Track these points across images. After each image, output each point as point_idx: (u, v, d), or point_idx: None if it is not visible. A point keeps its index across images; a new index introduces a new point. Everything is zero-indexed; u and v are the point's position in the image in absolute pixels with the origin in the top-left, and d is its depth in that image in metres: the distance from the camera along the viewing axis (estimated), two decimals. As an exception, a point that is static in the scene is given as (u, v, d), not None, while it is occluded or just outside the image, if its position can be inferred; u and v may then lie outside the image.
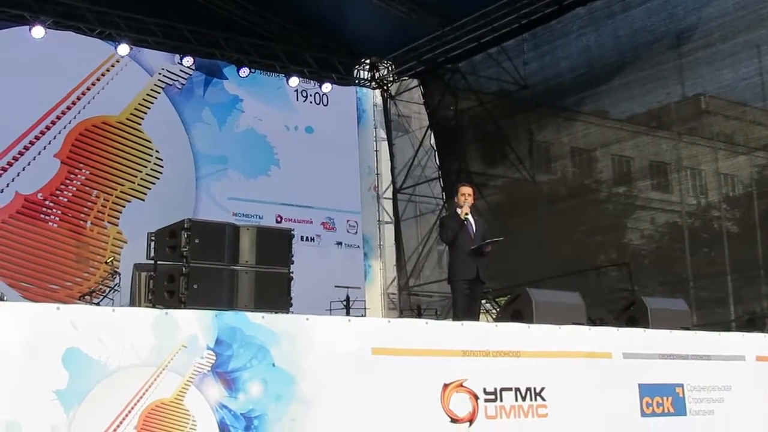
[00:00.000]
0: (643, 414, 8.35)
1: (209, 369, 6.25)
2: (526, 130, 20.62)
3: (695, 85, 17.76)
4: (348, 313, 17.60)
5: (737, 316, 16.70)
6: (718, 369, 9.04)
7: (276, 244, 7.16)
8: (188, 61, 19.58)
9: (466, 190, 11.00)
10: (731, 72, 16.84)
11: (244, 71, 20.28)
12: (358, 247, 21.95)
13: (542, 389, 7.79)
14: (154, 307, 6.62)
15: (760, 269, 16.55)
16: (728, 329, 15.42)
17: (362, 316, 17.84)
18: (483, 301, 18.60)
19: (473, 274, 10.58)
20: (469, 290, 10.59)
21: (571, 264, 18.36)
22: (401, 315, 20.99)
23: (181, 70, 19.78)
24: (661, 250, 19.10)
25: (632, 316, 9.50)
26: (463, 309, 10.39)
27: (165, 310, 6.36)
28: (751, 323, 15.84)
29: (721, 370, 9.07)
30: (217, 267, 6.81)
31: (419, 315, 19.53)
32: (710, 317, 16.74)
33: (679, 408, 8.60)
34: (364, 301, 20.20)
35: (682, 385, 8.70)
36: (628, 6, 17.91)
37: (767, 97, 16.66)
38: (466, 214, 10.79)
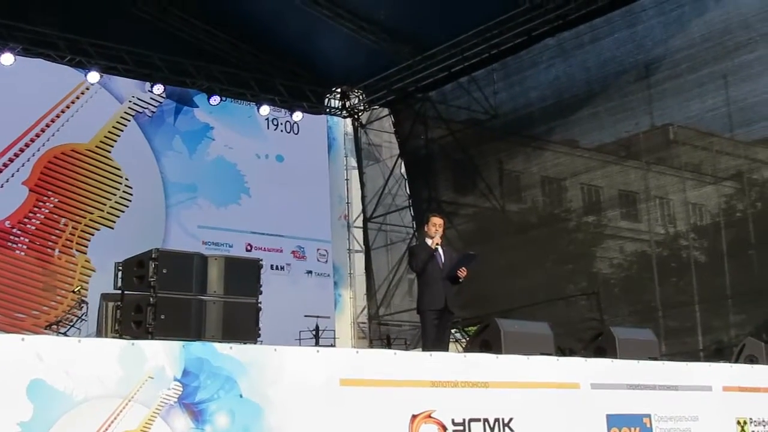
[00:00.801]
0: (611, 444, 8.37)
1: (176, 400, 6.19)
2: (496, 159, 20.72)
3: (663, 115, 17.93)
4: (317, 343, 17.56)
5: (705, 346, 16.79)
6: (685, 399, 9.07)
7: (244, 275, 7.14)
8: (159, 88, 19.55)
9: (437, 221, 11.01)
10: (699, 102, 17.02)
11: (215, 99, 20.27)
12: (329, 275, 21.92)
13: (510, 420, 7.78)
14: (120, 337, 6.58)
15: (728, 299, 16.65)
16: (697, 359, 15.51)
17: (332, 345, 17.81)
18: (453, 331, 18.68)
19: (442, 304, 10.57)
20: (437, 320, 10.58)
21: (540, 293, 18.42)
22: (371, 344, 20.95)
23: (151, 98, 19.76)
24: (630, 279, 19.19)
25: (600, 346, 9.52)
26: (433, 339, 10.38)
27: (132, 341, 6.31)
28: (719, 353, 15.92)
29: (688, 400, 9.10)
30: (184, 297, 6.77)
31: (389, 344, 19.51)
32: (679, 347, 16.81)
33: (647, 438, 8.63)
34: (334, 330, 20.14)
35: (649, 416, 8.72)
36: (597, 37, 18.09)
37: (734, 127, 16.83)
38: (437, 244, 10.81)
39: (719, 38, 16.54)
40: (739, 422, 9.37)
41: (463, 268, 10.78)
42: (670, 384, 9.06)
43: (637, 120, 18.16)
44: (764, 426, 9.53)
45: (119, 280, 6.91)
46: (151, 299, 6.61)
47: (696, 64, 16.91)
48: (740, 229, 17.07)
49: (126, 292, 6.90)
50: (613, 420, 8.43)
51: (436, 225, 10.92)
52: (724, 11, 16.50)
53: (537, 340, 8.85)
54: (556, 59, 18.90)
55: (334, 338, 19.58)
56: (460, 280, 10.83)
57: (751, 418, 9.46)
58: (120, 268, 6.93)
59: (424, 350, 9.83)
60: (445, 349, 10.61)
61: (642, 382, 8.83)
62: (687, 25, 17.08)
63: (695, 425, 9.01)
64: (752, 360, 11.24)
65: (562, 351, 10.23)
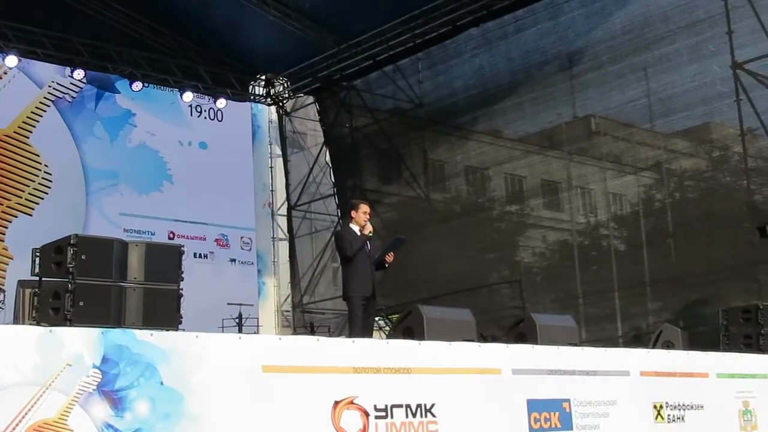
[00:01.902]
0: (531, 429, 8.46)
1: (95, 388, 6.12)
2: (420, 148, 20.81)
3: (585, 106, 18.18)
4: (240, 331, 17.47)
5: (624, 332, 17.10)
6: (603, 384, 9.21)
7: (165, 261, 7.06)
8: (79, 74, 19.22)
9: (367, 208, 11.00)
10: (620, 94, 17.28)
11: (137, 85, 19.99)
12: (252, 263, 21.83)
13: (432, 405, 7.83)
14: (38, 324, 6.46)
15: (646, 286, 16.97)
16: (615, 345, 15.79)
17: (255, 333, 17.72)
18: (377, 319, 18.73)
19: (370, 291, 10.59)
20: (365, 307, 10.60)
21: (464, 281, 18.56)
22: (295, 332, 20.93)
23: (71, 83, 19.41)
24: (551, 268, 19.44)
25: (521, 332, 9.63)
26: (361, 325, 10.39)
27: (49, 328, 6.21)
28: (636, 339, 16.23)
29: (607, 384, 9.25)
30: (104, 283, 6.68)
31: (312, 332, 19.49)
32: (599, 333, 17.11)
33: (566, 423, 8.74)
34: (258, 318, 20.08)
35: (568, 400, 8.84)
36: (520, 28, 18.25)
37: (654, 118, 17.12)
38: (371, 232, 10.80)
39: (640, 30, 16.82)
40: (655, 406, 9.55)
41: (392, 252, 10.83)
42: (589, 369, 9.20)
43: (559, 110, 18.39)
44: (680, 410, 9.74)
45: (37, 267, 6.78)
46: (70, 285, 6.50)
47: (617, 56, 17.17)
48: (659, 219, 17.40)
49: (44, 278, 6.78)
50: (533, 405, 8.54)
51: (367, 212, 10.91)
52: (644, 4, 16.78)
53: (459, 326, 8.91)
54: (481, 49, 19.03)
55: (258, 326, 19.53)
56: (387, 265, 10.86)
57: (667, 402, 9.65)
58: (38, 254, 6.80)
59: (351, 336, 9.85)
60: (370, 335, 10.64)
61: (562, 367, 8.95)
62: (609, 17, 17.32)
63: (613, 409, 9.16)
64: (669, 346, 11.50)
65: (484, 337, 10.33)
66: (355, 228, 10.80)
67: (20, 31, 18.01)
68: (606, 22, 17.35)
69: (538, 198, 19.51)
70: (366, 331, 10.58)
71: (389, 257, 10.83)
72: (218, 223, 21.01)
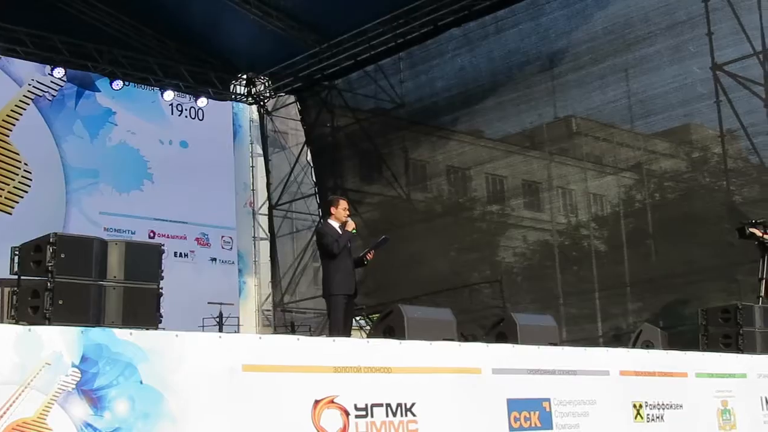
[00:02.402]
0: (511, 428, 8.46)
1: (74, 387, 6.09)
2: (401, 148, 20.82)
3: (566, 106, 18.24)
4: (221, 330, 17.45)
5: (604, 332, 17.17)
6: (583, 383, 9.23)
7: (145, 260, 7.03)
8: (59, 72, 19.17)
9: (346, 204, 10.98)
10: (600, 94, 17.35)
11: (118, 84, 19.96)
12: (233, 263, 21.80)
13: (413, 405, 7.83)
14: (17, 323, 6.43)
15: (626, 287, 17.04)
16: (596, 344, 15.84)
17: (236, 332, 17.69)
18: (357, 318, 18.75)
19: (353, 289, 10.58)
20: (346, 305, 10.58)
21: (445, 281, 18.59)
22: (275, 332, 20.92)
23: (52, 82, 19.35)
24: (532, 268, 19.50)
25: (502, 332, 9.62)
26: (342, 323, 10.39)
27: (28, 327, 6.18)
28: (616, 339, 16.29)
29: (587, 384, 9.26)
30: (83, 282, 6.64)
31: (293, 332, 19.49)
32: (579, 333, 17.17)
33: (546, 422, 8.75)
34: (238, 317, 20.06)
35: (548, 400, 8.85)
36: (502, 28, 18.29)
37: (634, 119, 17.19)
38: (354, 228, 10.77)
39: (621, 31, 16.88)
40: (635, 405, 9.58)
41: (374, 250, 10.85)
42: (569, 369, 9.21)
43: (540, 111, 18.43)
44: (659, 409, 9.77)
45: (16, 265, 6.75)
46: (49, 284, 6.47)
47: (598, 57, 17.23)
48: (639, 219, 17.48)
49: (23, 277, 6.75)
50: (513, 404, 8.54)
51: (346, 208, 10.88)
52: (625, 5, 16.85)
53: (440, 326, 8.91)
54: (462, 49, 19.06)
55: (238, 325, 19.52)
56: (366, 263, 10.86)
57: (646, 402, 9.68)
58: (17, 252, 6.77)
59: (332, 335, 9.84)
60: (349, 335, 10.63)
61: (542, 367, 8.96)
62: (590, 17, 17.38)
63: (593, 408, 9.18)
64: (648, 345, 11.53)
65: (464, 337, 10.35)
66: (335, 224, 10.75)
67: (0, 29, 17.90)
68: (587, 23, 17.41)
69: (518, 198, 19.57)
70: (347, 331, 10.57)
71: (370, 255, 10.83)
72: (199, 222, 20.98)
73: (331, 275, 10.63)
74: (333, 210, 10.85)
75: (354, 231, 10.74)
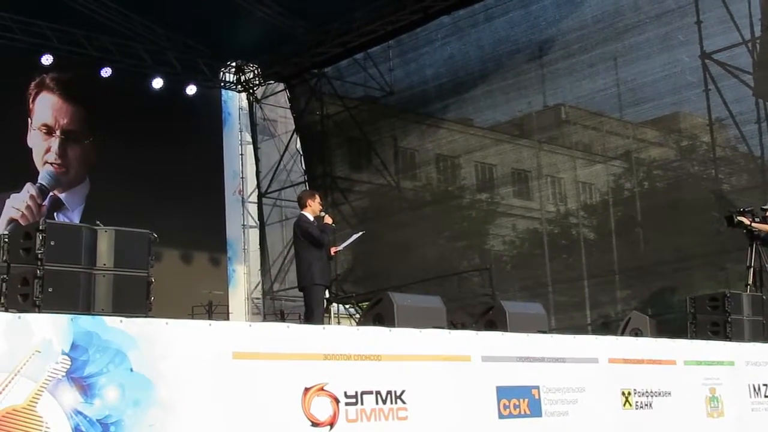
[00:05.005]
0: (501, 416, 8.49)
1: (64, 374, 6.08)
2: (391, 136, 20.83)
3: (556, 95, 18.26)
4: (210, 318, 17.43)
5: (593, 320, 17.22)
6: (572, 371, 9.25)
7: (135, 247, 7.02)
8: (48, 59, 19.03)
9: (319, 197, 11.26)
10: (590, 83, 17.38)
11: (107, 71, 19.82)
12: (223, 251, 21.74)
13: (402, 392, 7.84)
14: (6, 310, 6.42)
15: (615, 275, 17.10)
16: (584, 332, 15.89)
17: (225, 320, 17.69)
18: (347, 306, 18.82)
19: (329, 279, 10.71)
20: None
21: (434, 269, 18.62)
22: (265, 320, 20.91)
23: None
24: (521, 256, 19.54)
25: (491, 320, 9.65)
26: (322, 313, 10.47)
27: (18, 314, 6.17)
28: (605, 326, 16.35)
29: (576, 371, 9.28)
30: (73, 270, 6.63)
31: (283, 320, 19.48)
32: (568, 321, 17.22)
33: (535, 409, 8.77)
34: (227, 305, 20.03)
35: (537, 387, 8.87)
36: (491, 16, 18.28)
37: (623, 107, 17.23)
38: (333, 222, 10.92)
39: (610, 20, 16.91)
40: (623, 393, 9.61)
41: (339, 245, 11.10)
42: (558, 356, 9.24)
43: (530, 99, 18.46)
44: (648, 396, 9.81)
45: (5, 253, 6.74)
46: (38, 272, 6.46)
47: (587, 45, 17.25)
48: (627, 208, 17.53)
49: (12, 264, 6.74)
50: (502, 392, 8.56)
51: (320, 202, 11.11)
52: (614, -7, 16.87)
53: (429, 313, 8.93)
54: (452, 37, 19.05)
55: (228, 313, 19.49)
56: (331, 258, 11.11)
57: (635, 389, 9.71)
58: (6, 240, 6.76)
59: (316, 324, 9.88)
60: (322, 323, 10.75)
61: (531, 354, 8.98)
62: (579, 6, 17.40)
63: (582, 396, 9.21)
64: (637, 333, 11.56)
65: (454, 325, 10.36)
66: (310, 217, 10.89)
67: (-13, 16, 17.83)
68: (577, 11, 17.42)
69: (508, 186, 19.60)
70: (322, 321, 10.71)
71: (335, 250, 11.11)
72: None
73: (313, 265, 10.77)
74: (310, 203, 11.02)
75: (333, 226, 10.99)
